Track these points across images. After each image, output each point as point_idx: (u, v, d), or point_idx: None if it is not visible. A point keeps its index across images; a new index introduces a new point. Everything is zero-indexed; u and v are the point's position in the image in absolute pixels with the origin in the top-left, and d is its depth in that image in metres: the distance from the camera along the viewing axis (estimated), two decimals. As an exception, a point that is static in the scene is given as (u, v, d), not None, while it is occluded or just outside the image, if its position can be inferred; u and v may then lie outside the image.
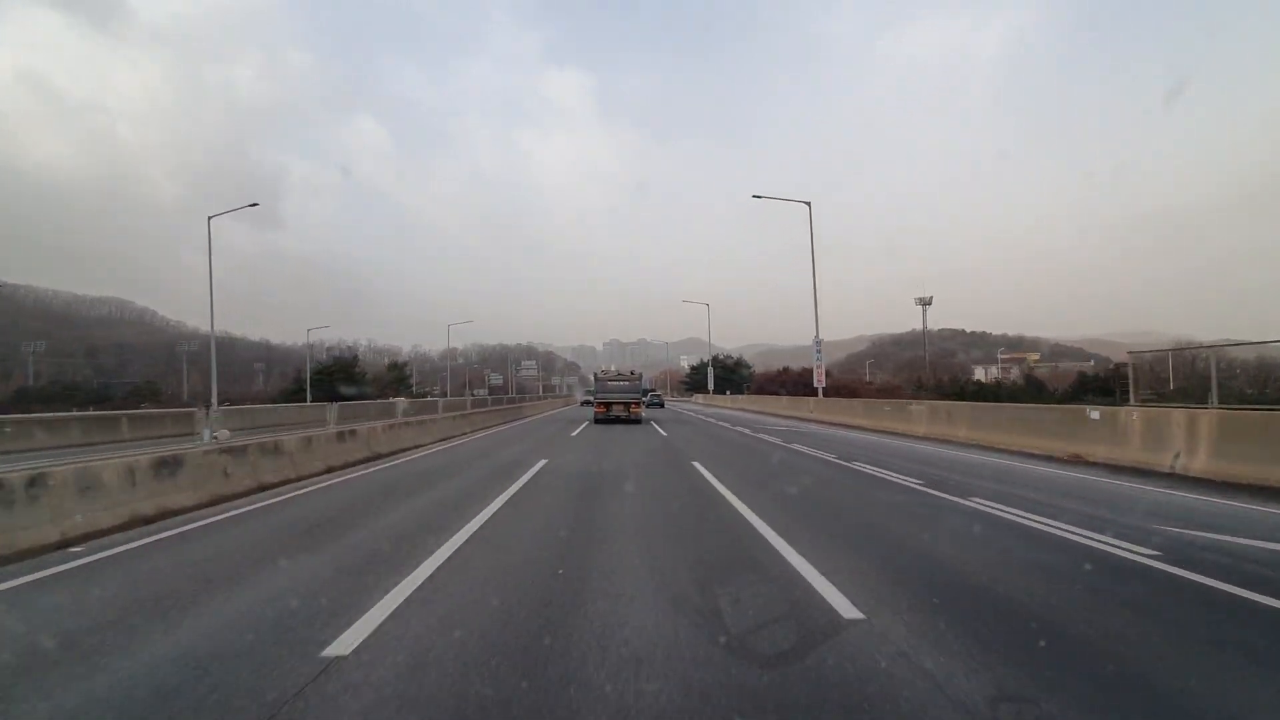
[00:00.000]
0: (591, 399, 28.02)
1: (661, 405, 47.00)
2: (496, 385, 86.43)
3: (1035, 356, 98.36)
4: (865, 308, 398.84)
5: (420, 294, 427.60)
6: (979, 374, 79.55)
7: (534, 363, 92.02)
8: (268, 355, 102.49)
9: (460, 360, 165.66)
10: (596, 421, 23.15)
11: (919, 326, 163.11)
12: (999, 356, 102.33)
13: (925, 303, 75.59)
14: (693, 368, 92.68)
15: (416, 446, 14.45)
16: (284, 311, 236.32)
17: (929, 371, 67.30)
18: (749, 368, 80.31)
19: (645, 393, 27.73)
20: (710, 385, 57.10)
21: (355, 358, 66.67)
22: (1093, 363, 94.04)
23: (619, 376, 24.92)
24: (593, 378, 27.77)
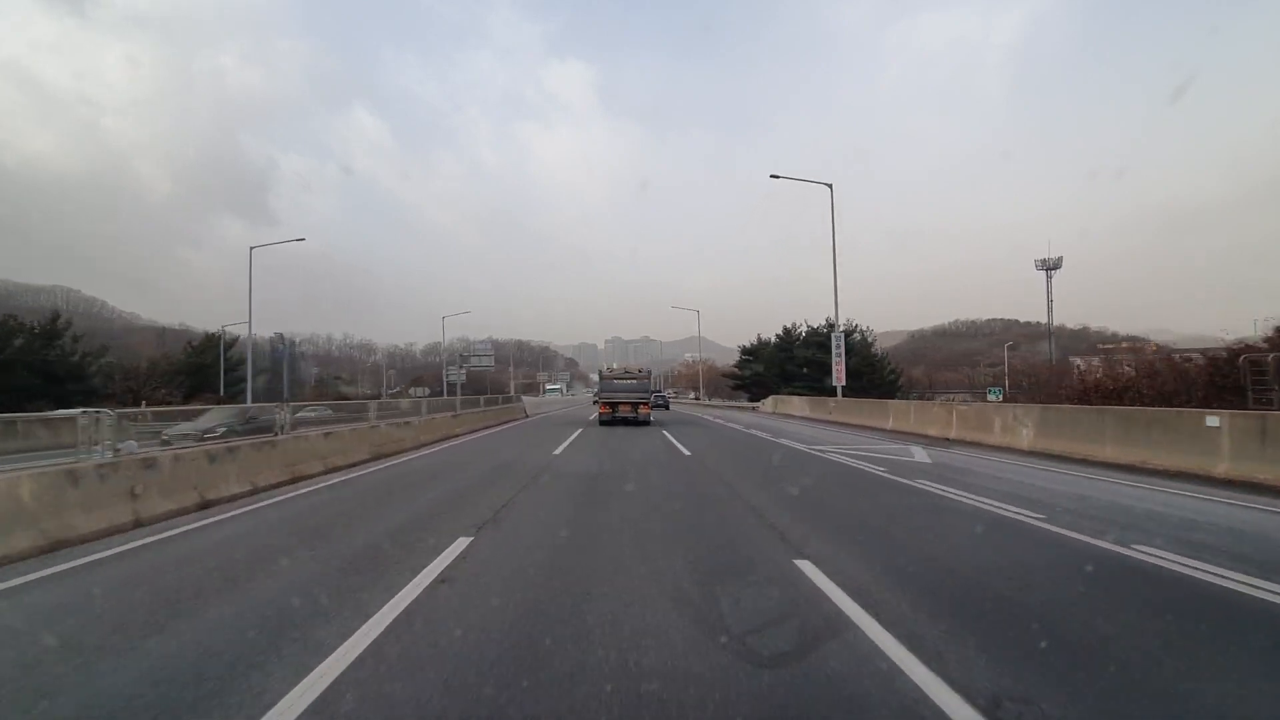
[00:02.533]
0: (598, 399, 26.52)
1: (666, 406, 44.23)
2: (461, 383, 67.36)
3: (1155, 345, 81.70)
4: (872, 304, 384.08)
5: (422, 292, 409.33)
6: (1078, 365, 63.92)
7: (488, 343, 60.74)
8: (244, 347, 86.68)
9: (447, 354, 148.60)
10: (602, 423, 22.04)
11: (962, 316, 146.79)
12: (1099, 347, 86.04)
13: (1052, 266, 57.55)
14: (750, 347, 52.03)
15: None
16: (289, 308, 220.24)
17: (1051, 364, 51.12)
18: (870, 339, 46.34)
19: (650, 392, 25.11)
20: (838, 377, 27.06)
21: (57, 317, 34.66)
22: (1217, 351, 78.32)
23: (626, 375, 23.61)
24: (597, 376, 26.73)
